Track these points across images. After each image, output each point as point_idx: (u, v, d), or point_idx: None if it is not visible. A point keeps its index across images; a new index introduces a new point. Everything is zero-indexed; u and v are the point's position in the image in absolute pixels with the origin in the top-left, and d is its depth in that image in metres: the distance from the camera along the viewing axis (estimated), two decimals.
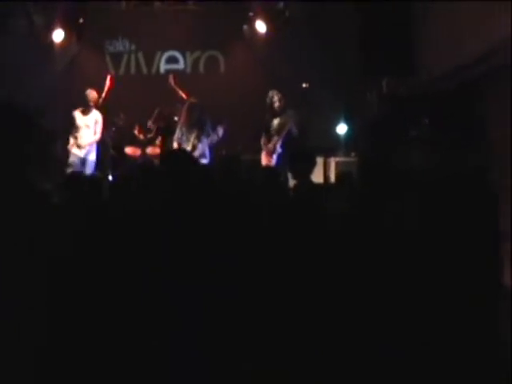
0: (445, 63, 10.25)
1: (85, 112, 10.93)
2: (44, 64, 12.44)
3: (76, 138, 10.78)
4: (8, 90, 11.18)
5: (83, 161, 10.82)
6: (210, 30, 12.86)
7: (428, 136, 9.40)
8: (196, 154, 10.37)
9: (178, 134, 10.72)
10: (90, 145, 10.90)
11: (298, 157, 6.15)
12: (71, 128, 10.78)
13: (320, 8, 12.01)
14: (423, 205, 4.04)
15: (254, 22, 12.71)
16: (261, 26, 12.60)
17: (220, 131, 10.77)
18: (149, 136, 11.88)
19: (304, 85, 11.81)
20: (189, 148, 10.44)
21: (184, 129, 10.65)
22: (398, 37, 10.79)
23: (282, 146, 10.36)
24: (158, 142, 11.76)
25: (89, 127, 10.91)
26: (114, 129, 11.78)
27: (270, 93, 10.56)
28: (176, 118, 11.24)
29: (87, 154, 10.87)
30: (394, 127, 9.54)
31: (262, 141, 10.61)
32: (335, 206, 4.93)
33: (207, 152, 10.58)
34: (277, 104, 10.49)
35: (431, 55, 11.08)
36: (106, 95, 11.49)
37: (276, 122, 10.49)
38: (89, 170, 10.74)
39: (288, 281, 3.79)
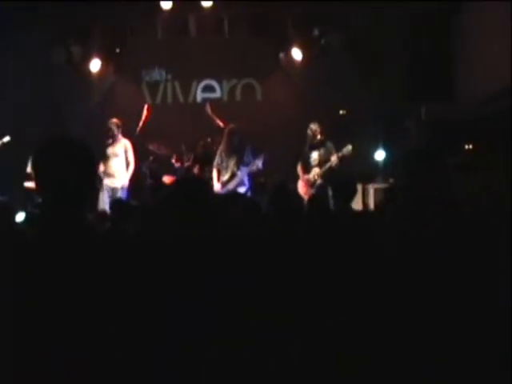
0: (482, 89, 10.22)
1: (111, 142, 10.95)
2: (83, 93, 12.62)
3: (106, 167, 10.82)
4: (47, 122, 11.39)
5: (114, 190, 10.86)
6: (245, 58, 12.88)
7: (469, 162, 9.33)
8: (234, 182, 10.35)
9: (217, 159, 10.68)
10: (123, 174, 10.99)
11: (340, 186, 6.12)
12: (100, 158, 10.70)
13: (356, 35, 12.11)
14: (464, 234, 3.94)
15: (290, 49, 12.67)
16: (297, 54, 12.57)
17: (259, 162, 10.45)
18: (186, 164, 11.86)
19: (341, 112, 11.81)
20: (227, 175, 10.43)
21: (224, 154, 10.58)
22: (437, 63, 10.86)
23: (321, 178, 10.41)
24: (195, 170, 11.73)
25: (118, 156, 10.95)
26: (151, 158, 11.79)
27: (312, 126, 10.64)
28: (215, 148, 11.20)
29: (118, 183, 10.94)
30: (433, 152, 9.43)
31: (300, 170, 10.67)
32: (376, 234, 4.86)
33: (246, 180, 10.50)
34: (318, 137, 10.59)
35: (468, 81, 11.08)
36: (143, 124, 11.54)
37: (316, 154, 10.60)
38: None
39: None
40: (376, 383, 3.44)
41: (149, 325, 2.62)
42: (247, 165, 10.42)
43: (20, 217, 6.99)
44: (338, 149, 10.42)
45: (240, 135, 10.50)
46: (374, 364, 3.44)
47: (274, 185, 7.96)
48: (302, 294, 3.72)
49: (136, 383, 2.51)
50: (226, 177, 10.50)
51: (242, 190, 10.24)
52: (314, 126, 10.66)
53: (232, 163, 10.45)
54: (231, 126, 10.72)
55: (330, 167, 10.37)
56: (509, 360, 3.18)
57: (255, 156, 10.51)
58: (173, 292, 3.14)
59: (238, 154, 10.47)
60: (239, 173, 10.41)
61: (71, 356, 2.41)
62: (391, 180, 10.81)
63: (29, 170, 10.83)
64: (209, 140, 11.74)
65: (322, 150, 10.57)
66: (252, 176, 10.67)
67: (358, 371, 3.45)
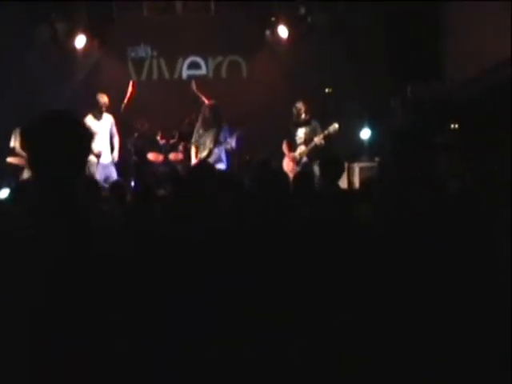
0: (468, 69, 10.24)
1: (97, 117, 10.92)
2: (67, 71, 12.51)
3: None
4: (32, 98, 11.29)
5: (105, 167, 10.84)
6: (231, 35, 12.77)
7: (453, 142, 9.36)
8: (212, 159, 10.33)
9: (195, 136, 10.70)
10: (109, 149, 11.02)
11: (328, 163, 6.13)
12: None
13: (342, 13, 12.10)
14: (447, 214, 3.96)
15: (276, 26, 12.64)
16: (283, 31, 12.54)
17: (233, 142, 10.56)
18: (171, 142, 11.84)
19: (327, 90, 11.83)
20: (205, 152, 10.41)
21: (201, 131, 10.61)
22: (424, 42, 10.87)
23: (307, 156, 10.44)
24: (180, 147, 11.71)
25: (103, 131, 10.93)
26: (136, 135, 11.74)
27: (298, 104, 10.67)
28: None
29: (106, 158, 10.93)
30: (418, 133, 9.49)
31: (285, 148, 10.69)
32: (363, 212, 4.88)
33: (223, 157, 10.54)
34: (303, 116, 10.60)
35: (455, 61, 11.09)
36: (128, 101, 11.49)
37: (302, 131, 10.64)
38: (110, 174, 10.82)
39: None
40: (375, 376, 3.46)
41: (149, 324, 2.59)
42: (221, 143, 10.45)
43: (4, 193, 6.94)
44: (324, 127, 10.45)
45: (215, 112, 10.52)
46: (373, 356, 3.46)
47: (258, 161, 7.99)
48: (299, 284, 3.71)
49: (137, 382, 2.50)
50: (203, 154, 10.48)
51: (221, 166, 10.26)
52: (298, 105, 10.68)
53: (208, 140, 10.47)
54: (208, 102, 10.78)
55: (316, 145, 10.39)
56: (509, 360, 3.19)
57: (232, 133, 10.55)
58: (173, 290, 3.13)
59: (214, 130, 10.49)
60: (216, 150, 10.43)
61: (70, 353, 2.35)
62: (376, 159, 10.86)
63: (12, 144, 10.78)
64: (194, 117, 11.72)
65: (308, 128, 10.60)
66: (229, 154, 10.72)
67: (355, 362, 3.46)
